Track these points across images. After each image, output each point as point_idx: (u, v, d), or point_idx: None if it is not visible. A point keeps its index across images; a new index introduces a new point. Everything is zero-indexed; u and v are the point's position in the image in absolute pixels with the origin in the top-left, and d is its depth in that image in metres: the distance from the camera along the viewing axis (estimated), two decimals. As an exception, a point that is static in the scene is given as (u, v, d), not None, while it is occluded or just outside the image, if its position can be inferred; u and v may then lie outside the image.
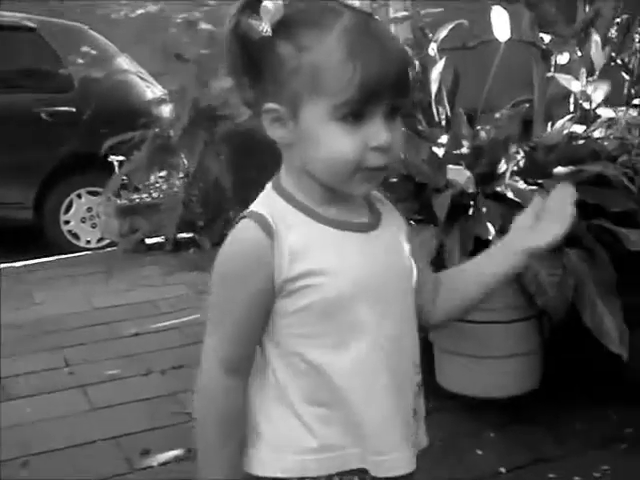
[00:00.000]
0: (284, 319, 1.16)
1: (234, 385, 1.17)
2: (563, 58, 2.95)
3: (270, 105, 1.13)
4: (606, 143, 3.16)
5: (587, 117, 2.79)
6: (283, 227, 1.13)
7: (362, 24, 1.10)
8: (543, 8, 3.49)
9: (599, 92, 2.78)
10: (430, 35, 2.92)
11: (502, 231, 2.56)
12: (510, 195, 2.58)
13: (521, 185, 2.60)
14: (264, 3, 1.09)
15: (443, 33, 2.93)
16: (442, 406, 3.09)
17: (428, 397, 3.15)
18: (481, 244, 2.58)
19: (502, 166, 2.66)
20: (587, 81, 2.77)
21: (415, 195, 2.74)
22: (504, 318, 2.69)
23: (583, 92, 2.77)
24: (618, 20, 3.69)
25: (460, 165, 2.54)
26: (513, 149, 2.66)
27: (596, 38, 2.79)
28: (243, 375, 1.18)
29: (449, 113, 2.85)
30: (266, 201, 1.18)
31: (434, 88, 2.77)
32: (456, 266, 1.40)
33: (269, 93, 1.12)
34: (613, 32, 5.95)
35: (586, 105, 2.79)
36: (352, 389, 1.17)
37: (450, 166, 2.54)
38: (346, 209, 1.19)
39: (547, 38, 3.04)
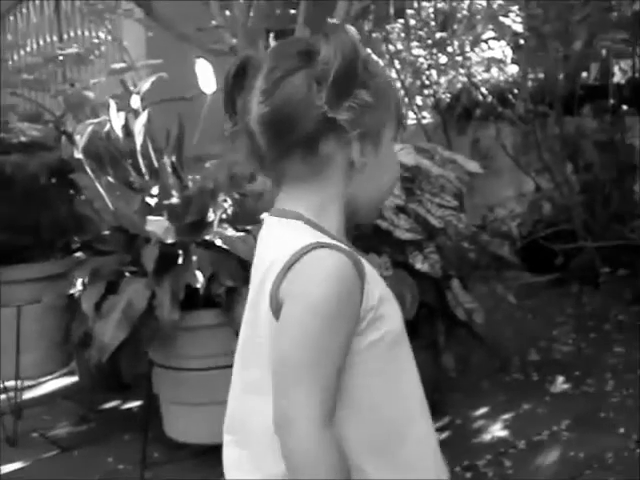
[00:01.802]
0: (357, 356, 1.10)
1: (332, 436, 1.05)
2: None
3: (374, 122, 1.13)
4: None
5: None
6: None
7: None
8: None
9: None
10: (133, 88, 2.93)
11: (213, 278, 2.61)
12: (219, 243, 2.63)
13: (230, 232, 2.67)
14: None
15: (146, 86, 2.96)
16: (172, 457, 3.08)
17: (157, 449, 3.11)
18: (193, 292, 2.61)
19: (211, 214, 2.71)
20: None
21: (127, 247, 2.72)
22: (220, 364, 2.73)
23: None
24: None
25: (163, 216, 2.56)
26: (221, 197, 2.73)
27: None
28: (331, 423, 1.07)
29: (156, 164, 2.87)
30: (317, 234, 1.12)
31: (139, 140, 2.78)
32: None
33: (361, 118, 1.11)
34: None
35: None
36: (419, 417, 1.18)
37: (149, 217, 2.56)
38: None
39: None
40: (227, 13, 4.14)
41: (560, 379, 3.65)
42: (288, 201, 1.16)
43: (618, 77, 5.59)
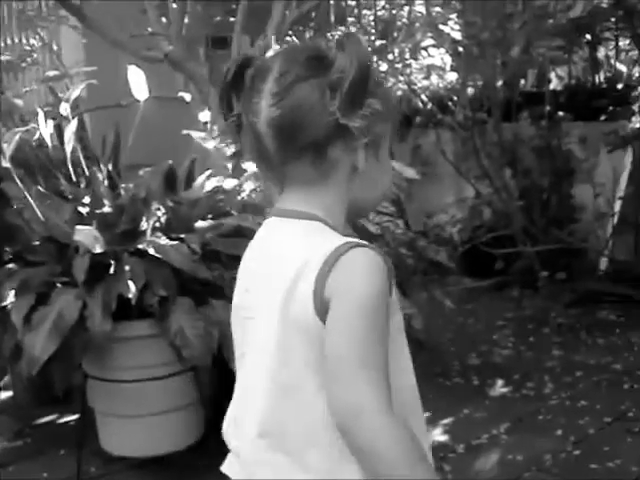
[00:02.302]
0: None
1: (397, 419, 1.07)
2: (204, 115, 3.06)
3: (380, 130, 1.18)
4: (253, 196, 3.32)
5: (222, 171, 2.90)
6: None
7: None
8: (189, 67, 3.61)
9: (232, 148, 2.90)
10: (62, 95, 2.88)
11: (146, 288, 2.57)
12: (152, 251, 2.59)
13: (163, 241, 2.63)
14: None
15: (75, 93, 2.91)
16: (108, 471, 3.02)
17: (94, 463, 3.05)
18: (126, 303, 2.57)
19: (144, 223, 2.67)
20: (220, 138, 2.89)
21: (58, 257, 2.66)
22: (156, 375, 2.69)
23: (217, 148, 2.89)
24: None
25: (91, 225, 2.52)
26: (155, 206, 2.69)
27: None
28: None
29: (87, 172, 2.82)
30: (336, 234, 1.17)
31: (69, 148, 2.73)
32: None
33: (371, 126, 1.15)
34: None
35: (220, 160, 2.91)
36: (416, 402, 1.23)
37: (78, 227, 2.51)
38: None
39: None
40: (164, 20, 4.11)
41: (500, 383, 3.68)
42: (295, 203, 1.19)
43: (555, 84, 5.68)
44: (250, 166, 3.41)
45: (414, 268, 3.28)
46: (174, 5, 3.64)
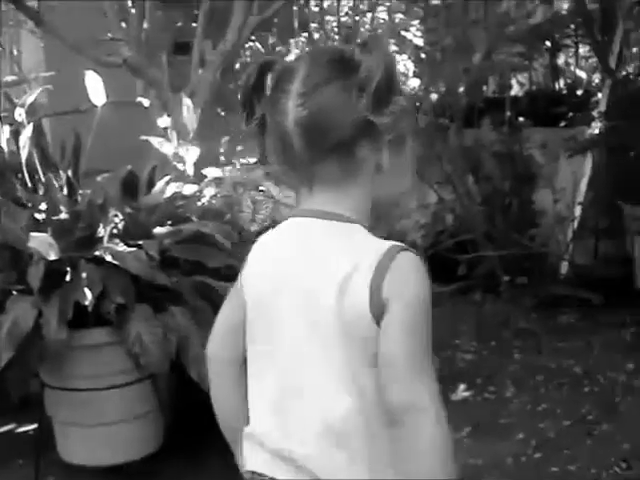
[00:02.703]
0: None
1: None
2: (163, 121, 3.04)
3: (395, 134, 1.19)
4: (214, 201, 3.30)
5: (181, 177, 2.89)
6: None
7: None
8: (149, 72, 3.58)
9: (192, 154, 2.89)
10: (17, 100, 2.85)
11: (103, 295, 2.54)
12: (109, 258, 2.57)
13: (120, 247, 2.61)
14: None
15: (30, 99, 2.88)
16: (68, 480, 2.98)
17: (53, 473, 3.01)
18: (83, 310, 2.54)
19: (101, 230, 2.64)
20: (179, 143, 2.87)
21: (13, 264, 2.63)
22: (114, 383, 2.66)
23: (176, 154, 2.87)
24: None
25: (47, 232, 2.49)
26: (112, 212, 2.67)
27: (187, 102, 2.91)
28: None
29: (42, 178, 2.79)
30: (375, 237, 1.20)
31: (24, 154, 2.69)
32: None
33: (397, 123, 1.18)
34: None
35: (180, 166, 2.89)
36: None
37: (32, 234, 2.48)
38: None
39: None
40: (124, 25, 4.07)
41: (461, 387, 3.69)
42: (324, 203, 1.21)
43: (516, 90, 5.74)
44: (211, 172, 3.41)
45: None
46: (133, 10, 3.61)
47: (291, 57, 1.30)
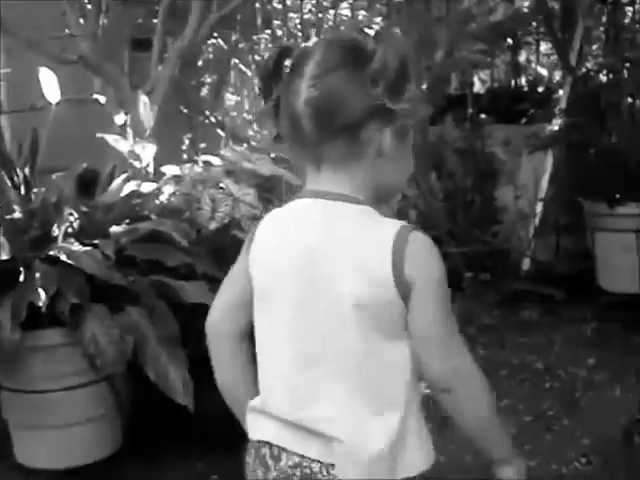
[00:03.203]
0: None
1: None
2: (120, 118, 2.99)
3: (400, 124, 1.23)
4: (173, 199, 3.26)
5: (139, 175, 2.85)
6: None
7: None
8: (106, 69, 3.53)
9: (148, 151, 2.85)
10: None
11: (58, 295, 2.50)
12: (63, 258, 2.52)
13: (75, 247, 2.56)
14: None
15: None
16: (25, 484, 2.93)
17: (10, 477, 2.94)
18: (37, 310, 2.49)
19: (56, 229, 2.60)
20: (135, 141, 2.83)
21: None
22: (70, 384, 2.62)
23: (132, 152, 2.83)
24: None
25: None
26: (67, 211, 2.62)
27: (144, 99, 2.87)
28: None
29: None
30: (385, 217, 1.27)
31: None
32: None
33: (412, 110, 1.24)
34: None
35: (136, 164, 2.85)
36: None
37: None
38: None
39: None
40: (82, 22, 4.02)
41: (423, 384, 3.69)
42: (331, 184, 1.26)
43: (478, 87, 5.76)
44: (169, 169, 3.37)
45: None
46: (89, 6, 3.56)
47: (310, 43, 1.33)
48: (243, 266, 1.34)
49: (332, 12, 5.78)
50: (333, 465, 1.24)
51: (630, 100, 4.65)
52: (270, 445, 1.30)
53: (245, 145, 5.67)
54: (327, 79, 1.21)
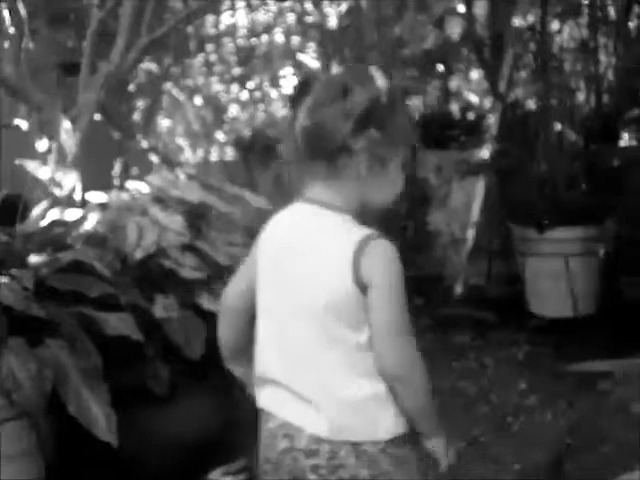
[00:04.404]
0: None
1: None
2: (42, 144, 2.91)
3: (381, 152, 1.49)
4: (98, 227, 3.18)
5: (62, 202, 2.77)
6: None
7: None
8: (29, 93, 3.44)
9: (70, 178, 2.78)
10: None
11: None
12: (-20, 290, 2.43)
13: (-9, 278, 2.47)
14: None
15: None
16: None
17: None
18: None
19: (-29, 259, 2.50)
20: (57, 167, 2.75)
21: None
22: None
23: (52, 179, 2.75)
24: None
25: None
26: (-16, 240, 2.53)
27: (66, 124, 2.80)
28: None
29: None
30: (360, 226, 1.52)
31: None
32: None
33: (371, 148, 1.48)
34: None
35: (57, 191, 2.77)
36: None
37: None
38: None
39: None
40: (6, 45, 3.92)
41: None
42: (318, 194, 1.53)
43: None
44: (95, 196, 3.29)
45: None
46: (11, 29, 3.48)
47: (319, 76, 1.66)
48: (250, 259, 1.63)
49: (265, 37, 5.79)
50: (314, 426, 1.50)
51: (558, 127, 4.74)
52: (263, 410, 1.60)
53: (178, 170, 5.62)
54: (316, 113, 1.49)
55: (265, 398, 1.60)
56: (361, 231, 1.49)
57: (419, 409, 1.55)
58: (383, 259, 1.48)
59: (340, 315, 1.49)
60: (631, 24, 4.88)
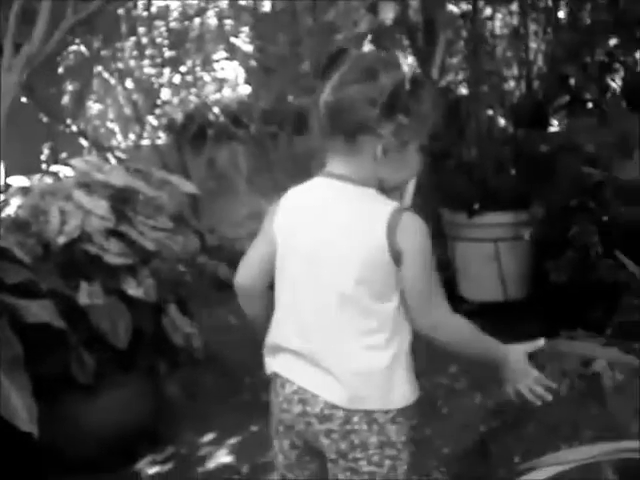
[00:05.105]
0: None
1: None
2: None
3: (406, 136, 1.56)
4: (20, 212, 3.10)
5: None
6: None
7: None
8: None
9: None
10: None
11: None
12: None
13: None
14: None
15: None
16: None
17: None
18: None
19: None
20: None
21: None
22: None
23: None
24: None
25: None
26: None
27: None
28: None
29: None
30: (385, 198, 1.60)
31: None
32: None
33: (396, 133, 1.54)
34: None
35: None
36: None
37: None
38: None
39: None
40: None
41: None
42: (342, 169, 1.59)
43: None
44: (16, 180, 3.20)
45: (195, 285, 3.18)
46: None
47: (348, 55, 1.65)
48: (264, 235, 1.68)
49: (198, 20, 5.70)
50: (330, 394, 1.58)
51: (489, 112, 4.78)
52: (278, 375, 1.68)
53: (109, 155, 5.51)
54: (340, 91, 1.54)
55: (280, 365, 1.68)
56: (390, 204, 1.57)
57: (470, 351, 1.68)
58: (416, 230, 1.57)
59: (372, 286, 1.57)
60: (561, 11, 4.94)
